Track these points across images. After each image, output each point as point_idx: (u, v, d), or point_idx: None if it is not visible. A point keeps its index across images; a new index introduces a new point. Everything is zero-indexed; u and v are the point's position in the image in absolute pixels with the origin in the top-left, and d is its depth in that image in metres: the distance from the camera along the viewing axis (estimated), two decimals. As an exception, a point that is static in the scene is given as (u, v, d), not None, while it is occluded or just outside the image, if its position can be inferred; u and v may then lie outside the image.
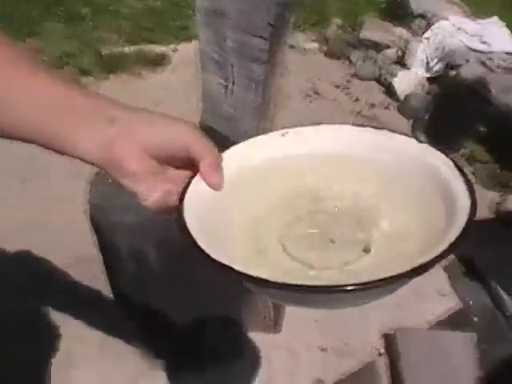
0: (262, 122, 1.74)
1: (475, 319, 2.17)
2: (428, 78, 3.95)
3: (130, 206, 1.34)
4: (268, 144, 0.80)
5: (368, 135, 0.81)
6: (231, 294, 1.77)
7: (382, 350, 1.99)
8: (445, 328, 2.10)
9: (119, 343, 2.00)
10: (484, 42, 3.73)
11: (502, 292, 2.20)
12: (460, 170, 0.73)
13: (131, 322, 1.94)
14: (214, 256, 0.63)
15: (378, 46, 4.38)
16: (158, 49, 4.39)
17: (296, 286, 0.59)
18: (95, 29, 4.56)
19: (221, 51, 1.66)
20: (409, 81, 3.87)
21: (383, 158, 0.79)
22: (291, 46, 4.72)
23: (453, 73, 3.73)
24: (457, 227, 0.64)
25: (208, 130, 1.63)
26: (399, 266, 0.62)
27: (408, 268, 0.60)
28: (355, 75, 4.28)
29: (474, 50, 3.68)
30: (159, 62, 4.30)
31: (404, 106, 3.76)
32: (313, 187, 0.81)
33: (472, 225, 0.64)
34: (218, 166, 0.74)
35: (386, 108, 3.85)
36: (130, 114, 0.71)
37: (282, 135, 0.81)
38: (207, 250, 0.63)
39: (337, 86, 4.15)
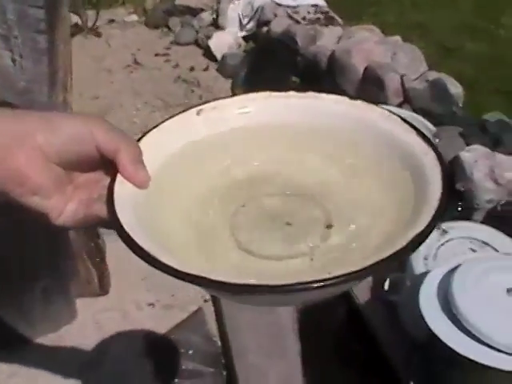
0: (56, 92, 1.75)
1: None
2: (244, 37, 4.04)
3: None
4: (185, 125, 0.72)
5: (292, 101, 0.73)
6: (51, 263, 1.80)
7: (208, 297, 2.06)
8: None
9: None
10: (290, -4, 3.85)
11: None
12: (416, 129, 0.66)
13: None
14: (177, 267, 0.53)
15: (193, 11, 4.45)
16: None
17: (285, 286, 0.50)
18: None
19: (3, 24, 1.65)
20: (224, 41, 3.94)
21: (318, 122, 0.72)
22: (111, 20, 4.71)
23: (265, 29, 3.83)
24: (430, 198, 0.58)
25: (7, 106, 1.63)
26: (370, 239, 0.60)
27: (391, 249, 0.53)
28: (175, 42, 4.32)
29: (282, 5, 3.80)
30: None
31: (222, 66, 3.84)
32: (249, 168, 0.73)
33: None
34: (138, 161, 0.64)
35: (206, 70, 3.91)
36: (24, 118, 0.60)
37: (197, 113, 0.73)
38: (169, 263, 0.54)
39: (157, 55, 4.17)
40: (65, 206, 0.62)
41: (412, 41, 3.28)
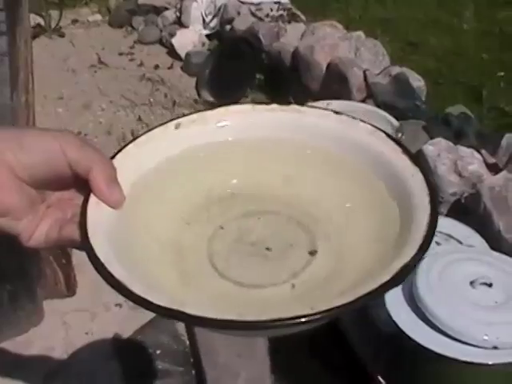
0: (18, 93, 1.74)
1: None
2: (207, 35, 4.03)
3: None
4: (162, 140, 0.68)
5: (275, 114, 0.70)
6: (18, 266, 1.79)
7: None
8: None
9: None
10: (253, -6, 3.85)
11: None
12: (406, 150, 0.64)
13: None
14: (150, 299, 0.51)
15: (157, 10, 4.43)
16: None
17: (261, 322, 0.48)
18: None
19: (-37, 26, 1.64)
20: (187, 39, 3.93)
21: (302, 138, 0.69)
22: (75, 21, 4.68)
23: (228, 27, 3.83)
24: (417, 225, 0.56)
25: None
26: (352, 264, 0.59)
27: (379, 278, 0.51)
28: (139, 41, 4.30)
29: (244, 3, 3.79)
30: None
31: (186, 65, 3.83)
32: (228, 185, 0.70)
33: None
34: (111, 180, 0.60)
35: (170, 68, 3.90)
36: None
37: (176, 127, 0.69)
38: (142, 294, 0.51)
39: (121, 54, 4.16)
40: (36, 227, 0.59)
41: (376, 36, 3.30)
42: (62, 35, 4.45)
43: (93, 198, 0.59)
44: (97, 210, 0.59)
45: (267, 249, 0.64)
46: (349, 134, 0.67)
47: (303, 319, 0.48)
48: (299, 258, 0.62)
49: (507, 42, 3.60)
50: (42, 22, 4.40)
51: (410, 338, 1.09)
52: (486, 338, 1.06)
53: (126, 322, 1.97)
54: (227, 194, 0.70)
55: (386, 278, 0.51)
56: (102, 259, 0.54)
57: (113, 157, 0.64)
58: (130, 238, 0.60)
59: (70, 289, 2.04)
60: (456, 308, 1.10)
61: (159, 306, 0.50)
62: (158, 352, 1.78)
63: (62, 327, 1.98)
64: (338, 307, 0.49)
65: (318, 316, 0.48)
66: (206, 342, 1.67)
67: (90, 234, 0.56)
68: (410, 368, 1.17)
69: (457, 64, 3.49)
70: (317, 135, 0.68)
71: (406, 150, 0.63)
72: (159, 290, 0.54)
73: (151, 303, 0.50)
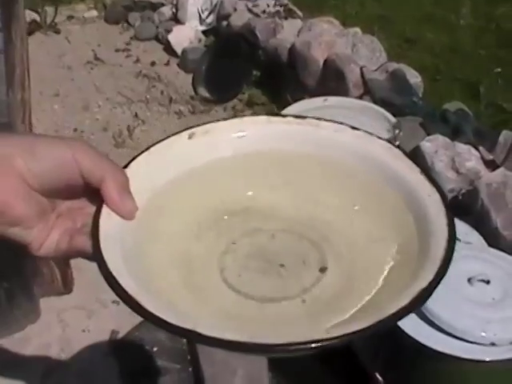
0: (14, 90, 1.73)
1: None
2: (204, 31, 4.02)
3: None
4: (175, 151, 0.67)
5: (291, 127, 0.69)
6: (14, 264, 1.78)
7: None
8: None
9: None
10: (249, -10, 3.84)
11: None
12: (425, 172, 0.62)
13: None
14: (173, 322, 0.50)
15: (153, 6, 4.42)
16: None
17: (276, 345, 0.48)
18: None
19: (-42, 25, 1.64)
20: (184, 35, 3.92)
21: (318, 152, 0.68)
22: (70, 17, 4.65)
23: (225, 23, 3.82)
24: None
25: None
26: (364, 283, 0.58)
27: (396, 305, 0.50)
28: (135, 37, 4.29)
29: (241, -1, 3.79)
30: None
31: (183, 61, 3.82)
32: (242, 199, 0.69)
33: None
34: (124, 190, 0.59)
35: (166, 64, 3.89)
36: (3, 142, 0.56)
37: (189, 137, 0.68)
38: (154, 311, 0.51)
39: (117, 50, 4.14)
40: (47, 236, 0.58)
41: (373, 33, 3.30)
42: (57, 32, 4.43)
43: (105, 209, 0.58)
44: (109, 221, 0.58)
45: (281, 265, 0.63)
46: (365, 149, 0.66)
47: (318, 344, 0.47)
48: (311, 275, 0.61)
49: (504, 38, 3.60)
50: (38, 19, 4.38)
51: (408, 336, 1.09)
52: (483, 334, 1.06)
53: (123, 319, 1.96)
54: (240, 208, 0.68)
55: (403, 302, 0.50)
56: (115, 273, 0.53)
57: (126, 166, 0.63)
58: (141, 251, 0.59)
59: (67, 286, 2.04)
60: (454, 305, 1.10)
61: (171, 325, 0.49)
62: (155, 349, 1.78)
63: (59, 325, 1.98)
64: (353, 333, 0.48)
65: (334, 341, 0.47)
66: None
67: (102, 246, 0.55)
68: (409, 366, 1.17)
69: (454, 60, 3.49)
70: (332, 149, 0.67)
71: (423, 170, 0.62)
72: (170, 306, 0.54)
73: (163, 321, 0.50)
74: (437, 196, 0.59)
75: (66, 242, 0.59)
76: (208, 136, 0.68)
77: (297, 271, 0.62)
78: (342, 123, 0.68)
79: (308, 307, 0.58)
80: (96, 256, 0.54)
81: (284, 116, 0.70)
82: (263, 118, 0.70)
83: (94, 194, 0.59)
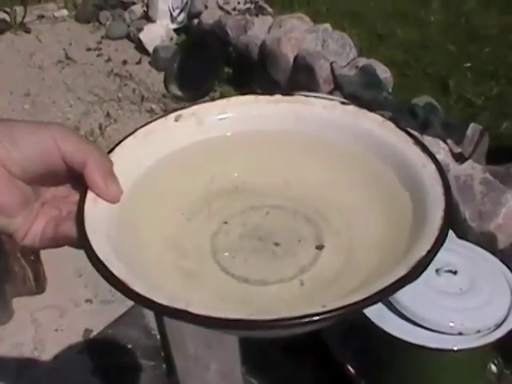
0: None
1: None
2: (175, 29, 4.02)
3: None
4: (162, 133, 0.65)
5: (279, 106, 0.67)
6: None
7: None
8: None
9: None
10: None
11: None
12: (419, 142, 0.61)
13: None
14: (164, 302, 0.48)
15: (124, 5, 4.41)
16: None
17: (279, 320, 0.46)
18: None
19: None
20: (155, 34, 3.92)
21: (308, 129, 0.66)
22: (41, 16, 4.64)
23: (196, 21, 3.82)
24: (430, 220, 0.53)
25: None
26: (363, 259, 0.57)
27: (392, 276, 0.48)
28: (106, 36, 4.29)
29: (211, -4, 3.80)
30: None
31: (154, 59, 3.82)
32: (230, 180, 0.67)
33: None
34: (108, 174, 0.57)
35: (138, 63, 3.89)
36: None
37: (176, 119, 0.66)
38: (147, 295, 0.48)
39: (88, 49, 4.14)
40: (31, 224, 0.56)
41: (344, 28, 3.31)
42: (27, 31, 4.42)
43: (90, 194, 0.56)
44: (94, 207, 0.56)
45: (275, 244, 0.61)
46: (356, 124, 0.64)
47: (315, 318, 0.45)
48: (307, 254, 0.60)
49: (473, 33, 3.63)
50: (7, 18, 4.36)
51: (376, 326, 1.10)
52: (451, 324, 1.07)
53: (96, 317, 1.96)
54: (230, 188, 0.66)
55: (402, 272, 0.48)
56: (102, 257, 0.51)
57: (111, 150, 0.61)
58: (129, 235, 0.57)
59: (40, 286, 2.03)
60: (422, 296, 1.11)
61: (164, 306, 0.47)
62: (129, 346, 1.77)
63: (32, 324, 1.98)
64: (351, 305, 0.46)
65: (330, 314, 0.45)
66: (175, 335, 1.67)
67: (87, 231, 0.53)
68: (378, 356, 1.18)
69: (424, 55, 3.51)
70: (323, 126, 0.65)
71: (417, 141, 0.60)
72: (162, 289, 0.52)
73: (155, 303, 0.48)
74: (432, 166, 0.58)
75: (52, 229, 0.56)
76: (195, 117, 0.66)
77: (293, 250, 0.60)
78: (332, 99, 0.66)
79: (306, 287, 0.57)
80: (82, 241, 0.52)
81: (271, 94, 0.67)
82: (250, 97, 0.67)
83: (78, 181, 0.57)
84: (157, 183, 0.63)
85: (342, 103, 0.65)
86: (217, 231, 0.63)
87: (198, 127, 0.66)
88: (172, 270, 0.59)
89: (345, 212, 0.63)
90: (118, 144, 0.62)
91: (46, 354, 1.86)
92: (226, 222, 0.64)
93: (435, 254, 0.50)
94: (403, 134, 0.61)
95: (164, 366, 1.70)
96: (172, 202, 0.64)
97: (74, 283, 2.08)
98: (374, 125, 0.63)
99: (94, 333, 1.92)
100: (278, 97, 0.67)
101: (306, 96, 0.67)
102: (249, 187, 0.67)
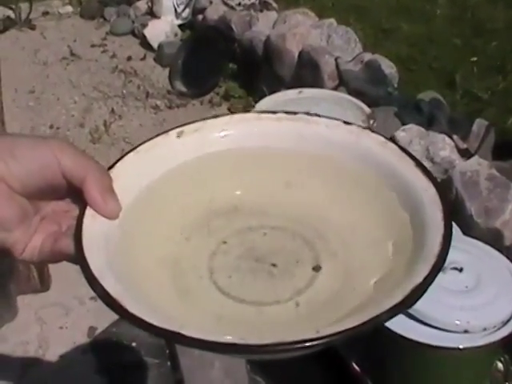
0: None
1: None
2: (180, 25, 4.02)
3: None
4: (163, 150, 0.64)
5: (282, 124, 0.67)
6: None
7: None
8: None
9: None
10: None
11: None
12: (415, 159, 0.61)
13: None
14: (157, 324, 0.47)
15: (129, 0, 4.41)
16: None
17: (268, 345, 0.46)
18: None
19: None
20: (160, 30, 3.92)
21: (310, 148, 0.66)
22: (46, 13, 4.63)
23: (200, 17, 3.81)
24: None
25: None
26: (360, 282, 0.56)
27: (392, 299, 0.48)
28: (111, 32, 4.28)
29: (216, -9, 3.79)
30: None
31: (159, 55, 3.81)
32: (231, 197, 0.67)
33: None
34: (107, 190, 0.57)
35: (143, 59, 3.89)
36: None
37: (178, 136, 0.65)
38: (138, 313, 0.48)
39: (93, 46, 4.13)
40: (30, 239, 0.56)
41: (349, 23, 3.30)
42: (32, 28, 4.41)
43: (89, 210, 0.56)
44: (93, 223, 0.55)
45: (273, 265, 0.60)
46: (359, 144, 0.64)
47: (307, 344, 0.45)
48: (304, 275, 0.59)
49: (479, 27, 3.62)
50: (12, 15, 4.36)
51: (382, 325, 1.09)
52: (457, 322, 1.06)
53: (101, 315, 1.94)
54: (230, 207, 0.66)
55: (397, 299, 0.48)
56: (97, 275, 0.50)
57: (112, 166, 0.61)
58: (126, 252, 0.57)
59: (44, 284, 2.03)
60: (427, 294, 1.10)
61: (155, 327, 0.47)
62: (134, 344, 1.77)
63: (37, 322, 1.98)
64: (343, 331, 0.46)
65: (322, 341, 0.45)
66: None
67: (84, 248, 0.53)
68: (384, 355, 1.18)
69: (429, 50, 3.50)
70: (325, 146, 0.65)
71: (418, 163, 0.60)
72: (157, 308, 0.51)
73: (147, 323, 0.47)
74: (433, 190, 0.58)
75: (50, 245, 0.56)
76: (197, 134, 0.66)
77: (290, 271, 0.60)
78: (335, 119, 0.66)
79: (301, 309, 0.56)
80: (78, 258, 0.52)
81: (274, 112, 0.67)
82: (253, 115, 0.68)
83: (78, 196, 0.57)
84: (156, 200, 0.63)
85: (345, 123, 0.65)
86: (215, 251, 0.63)
87: (200, 144, 0.66)
88: (169, 288, 0.58)
89: (344, 233, 0.62)
90: (118, 159, 0.62)
91: (51, 353, 1.86)
92: (224, 242, 0.63)
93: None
94: (405, 156, 0.61)
95: (169, 363, 1.70)
96: (171, 220, 0.64)
97: (78, 281, 2.04)
98: (376, 145, 0.63)
99: (99, 331, 1.92)
100: (280, 115, 0.67)
101: (308, 115, 0.67)
102: (249, 206, 0.66)
